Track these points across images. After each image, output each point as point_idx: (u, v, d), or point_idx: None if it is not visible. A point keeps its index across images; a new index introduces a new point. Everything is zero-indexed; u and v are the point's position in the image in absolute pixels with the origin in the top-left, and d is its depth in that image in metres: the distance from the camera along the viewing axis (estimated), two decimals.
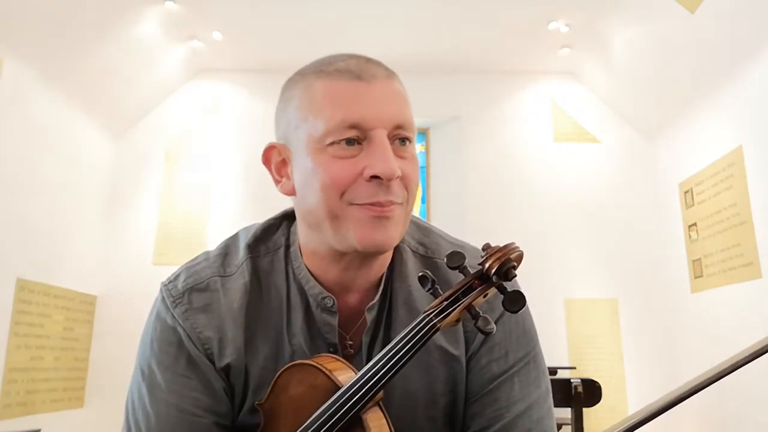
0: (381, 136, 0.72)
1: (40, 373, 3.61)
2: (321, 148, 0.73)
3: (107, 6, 3.61)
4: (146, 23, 3.98)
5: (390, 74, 0.77)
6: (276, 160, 0.81)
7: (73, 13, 3.46)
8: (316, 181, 0.74)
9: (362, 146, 0.73)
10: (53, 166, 3.80)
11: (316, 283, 0.81)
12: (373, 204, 0.72)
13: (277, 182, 0.81)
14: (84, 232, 4.22)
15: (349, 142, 0.72)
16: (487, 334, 0.67)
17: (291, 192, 0.79)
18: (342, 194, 0.73)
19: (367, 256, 0.76)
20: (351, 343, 0.82)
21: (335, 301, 0.80)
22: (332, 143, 0.72)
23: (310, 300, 0.81)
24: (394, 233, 0.74)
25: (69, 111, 3.97)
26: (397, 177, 0.72)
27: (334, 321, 0.80)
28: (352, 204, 0.73)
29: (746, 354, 1.03)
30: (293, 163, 0.78)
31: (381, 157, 0.71)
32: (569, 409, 1.86)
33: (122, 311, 4.23)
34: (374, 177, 0.71)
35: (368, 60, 0.78)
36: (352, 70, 0.74)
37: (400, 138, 0.75)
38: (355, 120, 0.72)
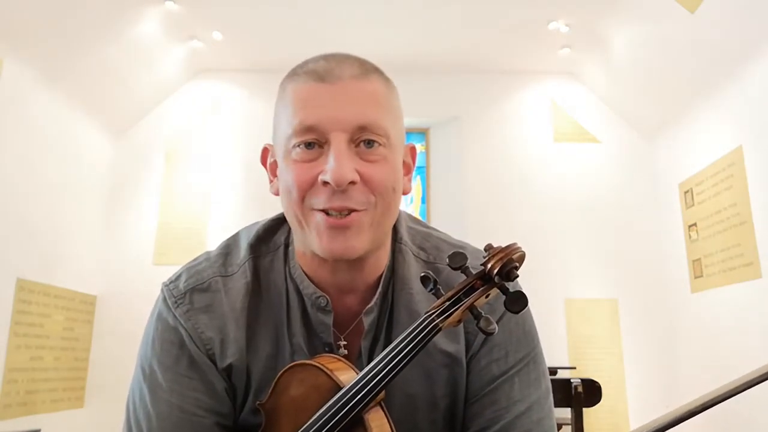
0: (338, 139, 0.71)
1: (40, 373, 3.61)
2: (288, 151, 0.74)
3: (107, 6, 3.61)
4: (146, 23, 3.97)
5: (363, 74, 0.75)
6: (270, 161, 0.82)
7: (73, 13, 3.46)
8: (283, 184, 0.75)
9: (322, 150, 0.72)
10: (53, 166, 3.80)
11: (310, 282, 0.81)
12: (328, 210, 0.71)
13: (270, 182, 0.82)
14: (84, 232, 4.21)
15: (309, 145, 0.72)
16: (489, 335, 0.66)
17: (277, 193, 0.80)
18: (302, 199, 0.73)
19: (341, 261, 0.75)
20: (345, 343, 0.82)
21: (329, 301, 0.80)
22: (295, 146, 0.72)
23: (306, 299, 0.81)
24: (355, 243, 0.73)
25: (69, 111, 3.97)
26: (351, 183, 0.70)
27: (329, 320, 0.80)
28: (312, 209, 0.73)
29: (756, 375, 1.02)
30: (278, 164, 0.79)
31: (333, 163, 0.70)
32: (569, 409, 1.86)
33: (122, 311, 4.23)
34: (328, 182, 0.70)
35: (344, 60, 0.76)
36: (318, 71, 0.74)
37: (365, 141, 0.72)
38: (312, 123, 0.71)
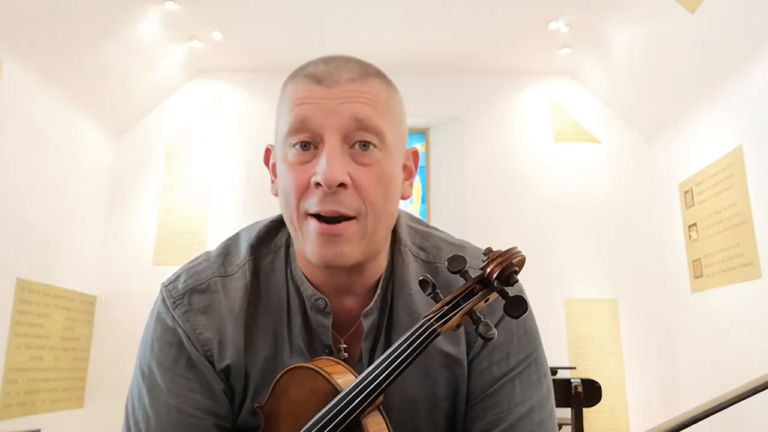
0: (331, 141, 0.70)
1: (40, 373, 3.61)
2: (285, 152, 0.74)
3: (107, 6, 3.61)
4: (146, 23, 3.97)
5: (362, 78, 0.74)
6: (272, 162, 0.82)
7: (73, 13, 3.46)
8: (282, 186, 0.75)
9: (317, 151, 0.71)
10: (53, 166, 3.80)
11: (310, 284, 0.80)
12: (320, 214, 0.70)
13: (271, 183, 0.82)
14: (84, 232, 4.21)
15: (304, 146, 0.71)
16: (488, 340, 0.66)
17: (277, 194, 0.79)
18: (298, 202, 0.72)
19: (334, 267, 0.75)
20: (345, 346, 0.81)
21: (328, 303, 0.79)
22: (291, 146, 0.72)
23: (306, 301, 0.81)
24: (347, 250, 0.72)
25: (69, 111, 3.97)
26: (342, 185, 0.69)
27: (328, 322, 0.80)
28: (307, 214, 0.72)
29: (760, 382, 1.02)
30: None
31: (324, 163, 0.69)
32: (569, 409, 1.86)
33: (122, 311, 4.23)
34: (319, 184, 0.70)
35: (344, 63, 0.75)
36: (317, 74, 0.73)
37: (359, 142, 0.72)
38: (306, 123, 0.71)
